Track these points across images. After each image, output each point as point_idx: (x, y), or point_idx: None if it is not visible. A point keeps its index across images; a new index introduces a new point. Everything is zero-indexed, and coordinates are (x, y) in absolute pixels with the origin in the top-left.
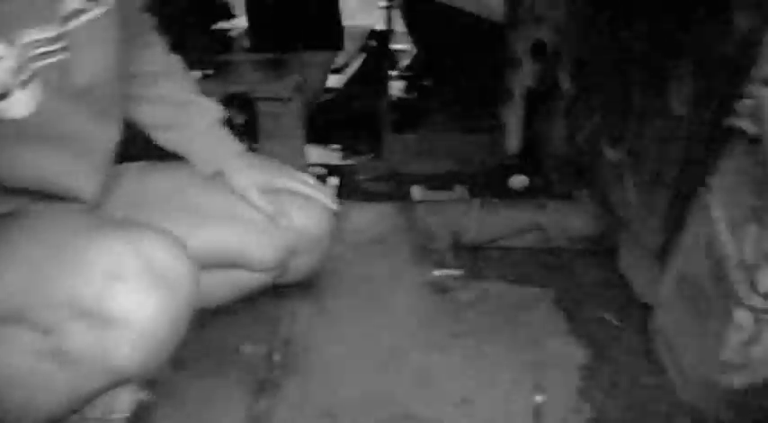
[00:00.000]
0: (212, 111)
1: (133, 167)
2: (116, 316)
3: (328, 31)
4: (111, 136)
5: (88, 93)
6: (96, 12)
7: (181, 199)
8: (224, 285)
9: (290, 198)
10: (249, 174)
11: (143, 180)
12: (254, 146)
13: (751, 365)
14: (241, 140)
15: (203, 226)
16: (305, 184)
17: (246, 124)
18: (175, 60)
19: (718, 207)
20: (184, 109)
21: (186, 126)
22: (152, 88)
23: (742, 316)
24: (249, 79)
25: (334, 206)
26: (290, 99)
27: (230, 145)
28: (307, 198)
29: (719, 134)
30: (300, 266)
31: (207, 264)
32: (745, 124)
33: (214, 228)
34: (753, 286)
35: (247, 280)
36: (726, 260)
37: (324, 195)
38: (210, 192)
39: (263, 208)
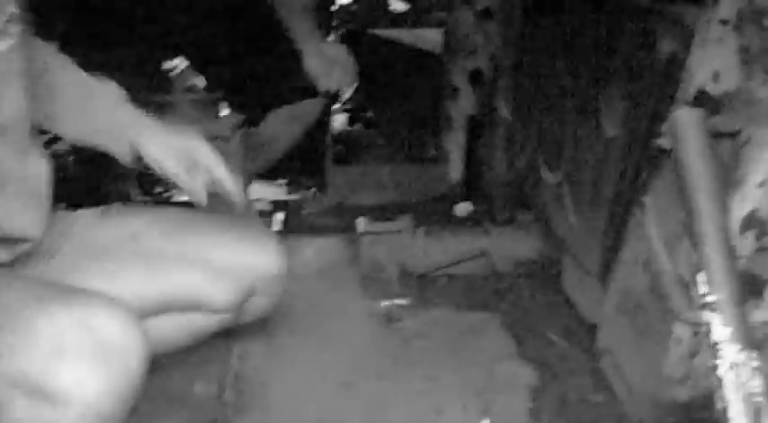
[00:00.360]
0: (115, 89)
1: (88, 214)
2: (59, 393)
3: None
4: (39, 172)
5: (2, 132)
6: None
7: (136, 245)
8: (181, 330)
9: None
10: (163, 140)
11: (97, 227)
12: None
13: (693, 378)
14: None
15: (160, 271)
16: (217, 165)
17: None
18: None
19: (653, 224)
20: (88, 91)
21: (94, 109)
22: (55, 89)
23: (681, 330)
24: (188, 119)
25: (241, 199)
26: (228, 138)
27: (140, 118)
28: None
29: (650, 154)
30: (258, 307)
31: (164, 309)
32: (667, 143)
33: (171, 273)
34: (689, 301)
35: (205, 323)
36: (663, 276)
37: (232, 183)
38: (166, 237)
39: (182, 180)
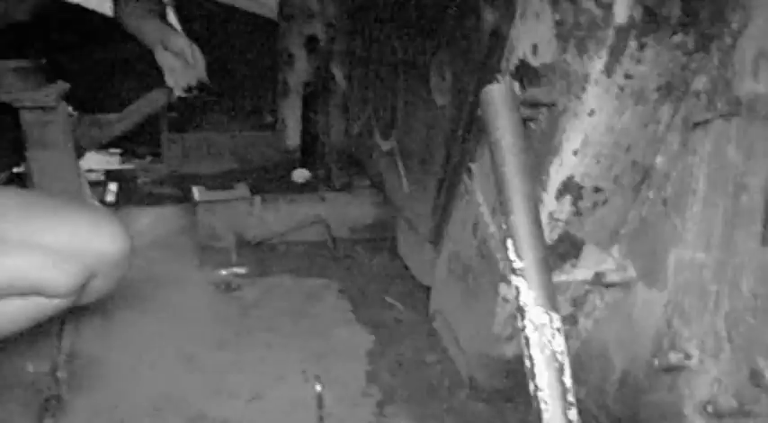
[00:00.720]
0: None
1: None
2: None
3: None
4: None
5: None
6: None
7: None
8: (20, 313)
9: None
10: None
11: None
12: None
13: (518, 336)
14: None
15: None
16: None
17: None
18: None
19: (479, 190)
20: None
21: None
22: None
23: (507, 290)
24: (12, 87)
25: None
26: (54, 107)
27: None
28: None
29: (476, 123)
30: (98, 289)
31: (2, 293)
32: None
33: (9, 256)
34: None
35: (44, 307)
36: (489, 239)
37: None
38: (3, 219)
39: None
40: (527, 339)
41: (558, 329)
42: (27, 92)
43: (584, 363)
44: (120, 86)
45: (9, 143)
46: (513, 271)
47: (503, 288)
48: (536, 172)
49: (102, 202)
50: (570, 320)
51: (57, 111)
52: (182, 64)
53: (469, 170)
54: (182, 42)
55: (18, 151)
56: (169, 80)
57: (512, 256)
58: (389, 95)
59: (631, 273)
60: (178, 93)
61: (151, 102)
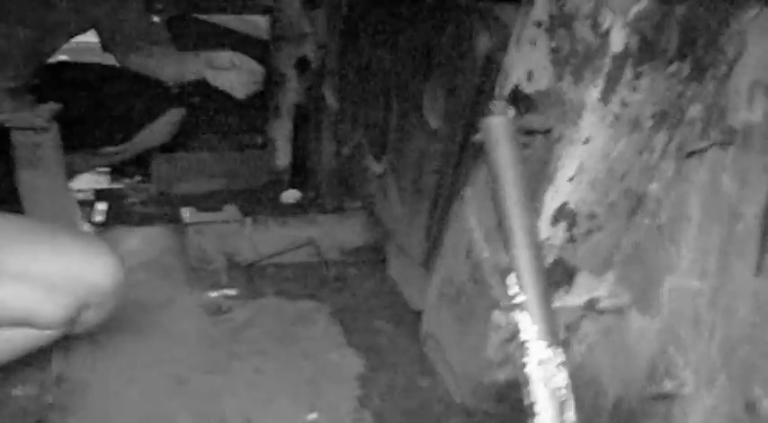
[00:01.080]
0: None
1: None
2: None
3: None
4: None
5: None
6: None
7: None
8: (9, 344)
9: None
10: None
11: None
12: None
13: (511, 361)
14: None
15: None
16: None
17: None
18: None
19: (473, 215)
20: None
21: None
22: None
23: (499, 316)
24: (2, 108)
25: None
26: (46, 128)
27: None
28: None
29: (470, 148)
30: (90, 320)
31: None
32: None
33: (0, 286)
34: (506, 289)
35: (34, 337)
36: (483, 264)
37: None
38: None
39: None
40: (529, 374)
41: (562, 364)
42: (19, 112)
43: (576, 388)
44: (114, 118)
45: None
46: (515, 305)
47: (496, 314)
48: (531, 198)
49: (91, 222)
50: (563, 346)
51: (48, 132)
52: (237, 75)
53: (462, 195)
54: (226, 56)
55: (8, 172)
56: (238, 94)
57: (513, 290)
58: (382, 118)
59: (625, 299)
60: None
61: (164, 128)
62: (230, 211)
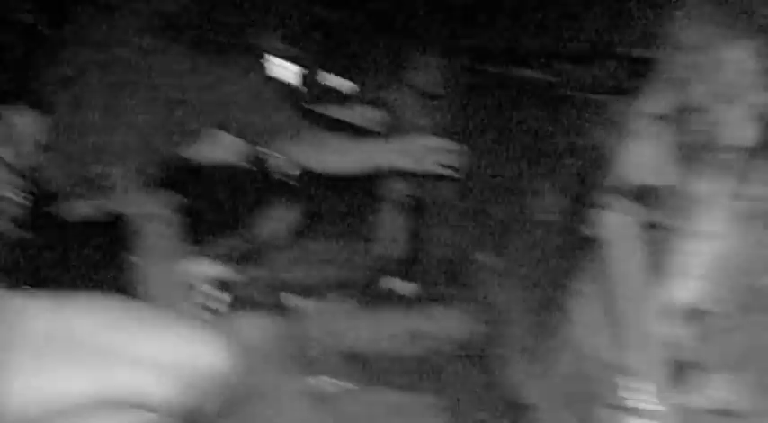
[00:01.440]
0: None
1: (43, 301)
2: None
3: None
4: None
5: None
6: None
7: (68, 336)
8: None
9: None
10: None
11: (53, 318)
12: None
13: None
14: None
15: (94, 366)
16: None
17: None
18: None
19: (588, 311)
20: None
21: None
22: None
23: (606, 415)
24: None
25: None
26: (164, 218)
27: None
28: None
29: (581, 240)
30: (208, 409)
31: (99, 405)
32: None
33: (107, 367)
34: (614, 385)
35: None
36: (596, 361)
37: None
38: (104, 328)
39: None
40: None
41: None
42: (139, 201)
43: None
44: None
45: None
46: (630, 408)
47: (602, 412)
48: (651, 295)
49: (204, 308)
50: None
51: (167, 221)
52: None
53: (572, 288)
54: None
55: (124, 258)
56: None
57: (629, 392)
58: (492, 209)
59: (753, 403)
60: None
61: (280, 226)
62: (338, 298)
